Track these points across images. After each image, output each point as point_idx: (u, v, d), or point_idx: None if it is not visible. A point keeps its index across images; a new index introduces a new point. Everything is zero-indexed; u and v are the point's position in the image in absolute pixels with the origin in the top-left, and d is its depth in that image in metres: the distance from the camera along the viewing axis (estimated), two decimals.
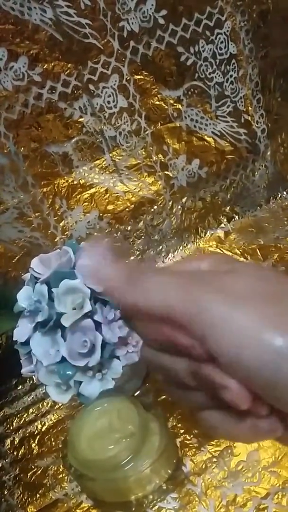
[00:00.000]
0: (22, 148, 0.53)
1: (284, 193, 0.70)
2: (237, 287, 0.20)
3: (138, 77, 0.57)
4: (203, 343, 0.19)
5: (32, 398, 0.53)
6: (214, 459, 0.42)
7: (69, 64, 0.52)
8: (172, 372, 0.21)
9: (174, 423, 0.45)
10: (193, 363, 0.20)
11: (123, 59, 0.55)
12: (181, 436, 0.44)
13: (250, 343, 0.18)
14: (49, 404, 0.52)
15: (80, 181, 0.59)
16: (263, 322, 0.18)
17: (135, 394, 0.48)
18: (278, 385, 0.18)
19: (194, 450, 0.43)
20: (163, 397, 0.47)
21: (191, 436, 0.44)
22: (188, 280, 0.20)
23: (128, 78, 0.56)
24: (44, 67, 0.51)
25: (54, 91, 0.52)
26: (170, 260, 0.66)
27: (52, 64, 0.52)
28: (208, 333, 0.18)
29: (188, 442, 0.44)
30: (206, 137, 0.65)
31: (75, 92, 0.54)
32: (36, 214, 0.56)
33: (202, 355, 0.19)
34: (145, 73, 0.58)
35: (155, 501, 0.40)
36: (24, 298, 0.43)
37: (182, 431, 0.45)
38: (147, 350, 0.22)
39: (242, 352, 0.18)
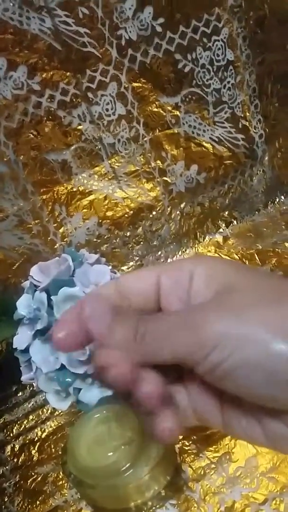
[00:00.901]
0: (22, 156, 0.53)
1: (282, 197, 0.71)
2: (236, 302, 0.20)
3: (136, 84, 0.58)
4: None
5: (32, 404, 0.54)
6: (213, 465, 0.42)
7: (68, 73, 0.53)
8: None
9: None
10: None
11: (121, 67, 0.55)
12: (180, 443, 0.44)
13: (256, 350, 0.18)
14: (49, 411, 0.53)
15: (79, 188, 0.59)
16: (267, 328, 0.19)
17: None
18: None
19: (192, 456, 0.43)
20: None
21: (190, 442, 0.44)
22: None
23: (126, 86, 0.57)
24: (43, 76, 0.51)
25: (53, 100, 0.53)
26: None
27: (51, 73, 0.52)
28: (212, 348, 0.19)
29: (186, 448, 0.44)
30: (204, 143, 0.65)
31: (74, 100, 0.54)
32: (36, 221, 0.57)
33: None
34: (143, 80, 0.58)
35: (154, 508, 0.40)
36: (23, 305, 0.43)
37: (180, 437, 0.45)
38: None
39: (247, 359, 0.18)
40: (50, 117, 0.54)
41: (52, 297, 0.42)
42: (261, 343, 0.18)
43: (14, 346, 0.43)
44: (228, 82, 0.62)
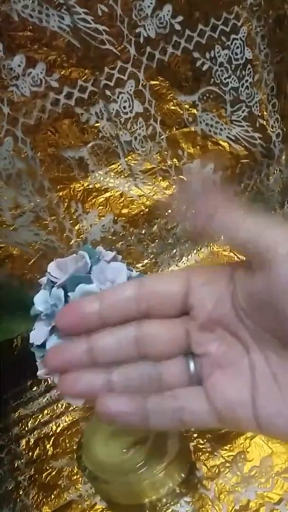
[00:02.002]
0: (39, 153, 0.54)
1: None
2: None
3: (154, 82, 0.58)
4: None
5: (47, 399, 0.54)
6: (227, 464, 0.42)
7: (86, 70, 0.53)
8: None
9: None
10: None
11: (139, 65, 0.55)
12: (195, 441, 0.44)
13: None
14: (64, 406, 0.53)
15: (96, 185, 0.59)
16: None
17: None
18: None
19: (207, 454, 0.43)
20: None
21: (204, 440, 0.44)
22: None
23: (144, 84, 0.57)
24: (62, 73, 0.52)
25: (71, 97, 0.53)
26: (184, 263, 0.67)
27: (69, 70, 0.52)
28: None
29: (201, 446, 0.44)
30: (221, 142, 0.65)
31: (92, 97, 0.54)
32: (52, 218, 0.57)
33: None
34: (161, 78, 0.58)
35: (168, 504, 0.40)
36: (40, 301, 0.44)
37: (195, 435, 0.45)
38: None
39: None
40: (68, 114, 0.54)
41: (69, 294, 0.42)
42: None
43: (30, 341, 0.43)
44: (246, 80, 0.62)
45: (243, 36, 0.60)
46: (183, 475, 0.41)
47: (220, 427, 0.25)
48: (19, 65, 0.49)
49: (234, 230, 0.21)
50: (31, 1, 0.48)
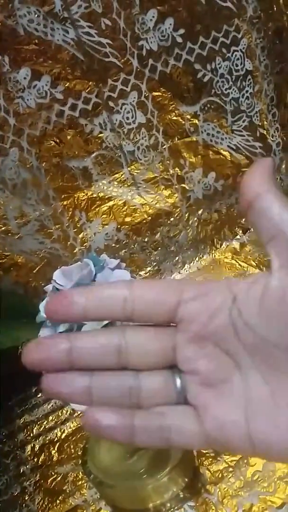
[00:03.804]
0: (44, 163, 0.55)
1: None
2: None
3: (156, 93, 0.59)
4: None
5: (52, 406, 0.55)
6: (230, 469, 0.42)
7: (90, 82, 0.54)
8: None
9: None
10: None
11: (142, 77, 0.57)
12: None
13: None
14: (68, 412, 0.54)
15: (99, 194, 0.60)
16: None
17: None
18: None
19: (210, 459, 0.44)
20: None
21: None
22: None
23: (146, 95, 0.58)
24: (66, 85, 0.53)
25: (75, 108, 0.54)
26: (186, 271, 0.68)
27: (74, 82, 0.53)
28: None
29: (204, 451, 0.44)
30: (222, 151, 0.66)
31: (96, 109, 0.55)
32: (57, 226, 0.58)
33: None
34: (163, 89, 0.59)
35: (172, 509, 0.41)
36: None
37: None
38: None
39: None
40: (72, 125, 0.55)
41: None
42: None
43: None
44: (247, 91, 0.63)
45: (243, 48, 0.61)
46: (186, 479, 0.41)
47: (208, 448, 0.24)
48: (24, 78, 0.50)
49: (269, 220, 0.20)
50: (36, 16, 0.49)
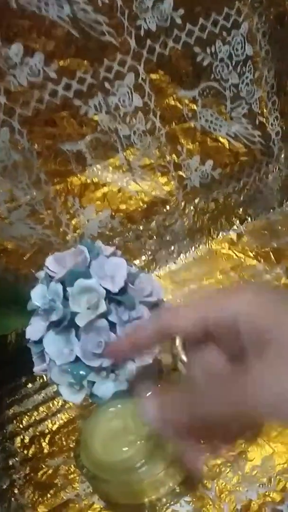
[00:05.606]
0: (36, 145, 0.53)
1: None
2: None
3: (154, 76, 0.57)
4: None
5: (43, 396, 0.53)
6: (228, 464, 0.41)
7: (85, 62, 0.52)
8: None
9: None
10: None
11: (140, 58, 0.55)
12: None
13: None
14: (60, 403, 0.52)
15: (93, 179, 0.58)
16: None
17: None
18: None
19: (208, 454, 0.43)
20: None
21: None
22: None
23: (144, 77, 0.56)
24: (60, 63, 0.51)
25: (69, 88, 0.52)
26: (182, 260, 0.66)
27: (68, 61, 0.51)
28: None
29: (202, 446, 0.43)
30: (220, 138, 0.64)
31: (91, 90, 0.53)
32: (48, 212, 0.56)
33: None
34: (161, 72, 0.57)
35: (168, 504, 0.40)
36: (38, 296, 0.43)
37: None
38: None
39: None
40: (66, 106, 0.53)
41: (67, 289, 0.41)
42: None
43: (27, 337, 0.42)
44: (247, 77, 0.62)
45: (244, 32, 0.59)
46: (183, 474, 0.40)
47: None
48: (16, 54, 0.48)
49: None
50: None
